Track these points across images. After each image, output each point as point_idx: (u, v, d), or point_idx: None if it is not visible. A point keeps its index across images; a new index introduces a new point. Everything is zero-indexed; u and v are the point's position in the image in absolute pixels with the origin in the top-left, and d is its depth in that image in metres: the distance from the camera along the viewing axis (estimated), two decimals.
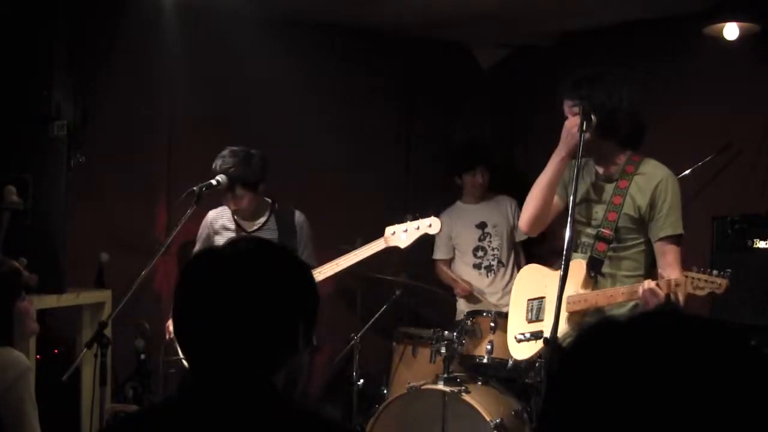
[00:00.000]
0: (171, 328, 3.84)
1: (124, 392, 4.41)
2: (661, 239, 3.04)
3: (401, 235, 3.76)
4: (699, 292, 2.72)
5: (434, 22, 5.09)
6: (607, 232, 3.08)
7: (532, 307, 3.26)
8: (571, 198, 2.90)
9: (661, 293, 2.79)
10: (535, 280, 3.32)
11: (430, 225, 3.77)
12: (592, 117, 2.95)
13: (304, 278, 1.55)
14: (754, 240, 4.04)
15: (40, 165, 4.06)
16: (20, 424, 2.52)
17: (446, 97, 5.81)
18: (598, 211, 3.13)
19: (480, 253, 4.92)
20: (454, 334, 3.96)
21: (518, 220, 3.50)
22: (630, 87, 3.05)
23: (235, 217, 4.07)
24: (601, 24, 5.04)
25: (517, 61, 5.80)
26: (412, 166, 5.75)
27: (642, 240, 3.09)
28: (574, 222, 2.85)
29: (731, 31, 4.39)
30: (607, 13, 4.83)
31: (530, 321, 3.24)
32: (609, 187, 3.12)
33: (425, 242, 3.98)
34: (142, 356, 4.36)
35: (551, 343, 2.87)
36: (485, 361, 3.90)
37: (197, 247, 4.08)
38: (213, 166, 3.87)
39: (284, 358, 1.49)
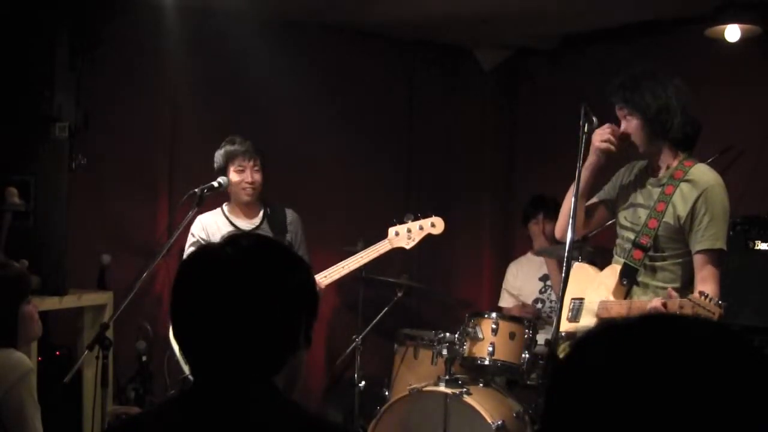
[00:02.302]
0: None
1: (125, 394, 4.41)
2: (698, 252, 2.86)
3: (405, 235, 3.76)
4: None
5: (435, 24, 5.09)
6: (644, 240, 2.94)
7: (573, 307, 3.18)
8: (573, 199, 2.89)
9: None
10: (579, 280, 3.21)
11: (433, 225, 3.78)
12: (594, 119, 2.94)
13: (305, 275, 1.55)
14: (756, 242, 4.03)
15: (42, 166, 4.06)
16: (22, 425, 2.52)
17: (447, 99, 5.81)
18: (642, 216, 2.99)
19: (539, 305, 4.88)
20: (456, 335, 3.96)
21: None
22: (678, 84, 2.93)
23: (230, 218, 4.07)
24: (603, 26, 5.03)
25: (518, 62, 5.79)
26: (413, 168, 5.73)
27: (682, 251, 2.93)
28: (575, 225, 2.84)
29: (733, 32, 4.39)
30: (609, 15, 4.82)
31: (570, 320, 3.17)
32: (656, 192, 2.98)
33: (428, 242, 3.97)
34: (144, 358, 4.37)
35: (552, 344, 2.87)
36: (486, 362, 3.89)
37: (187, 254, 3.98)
38: (224, 150, 3.96)
39: (286, 358, 1.48)
